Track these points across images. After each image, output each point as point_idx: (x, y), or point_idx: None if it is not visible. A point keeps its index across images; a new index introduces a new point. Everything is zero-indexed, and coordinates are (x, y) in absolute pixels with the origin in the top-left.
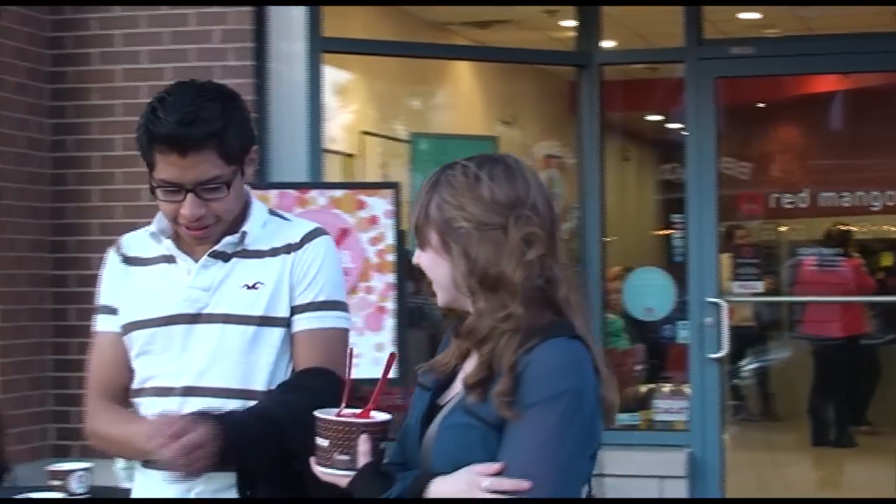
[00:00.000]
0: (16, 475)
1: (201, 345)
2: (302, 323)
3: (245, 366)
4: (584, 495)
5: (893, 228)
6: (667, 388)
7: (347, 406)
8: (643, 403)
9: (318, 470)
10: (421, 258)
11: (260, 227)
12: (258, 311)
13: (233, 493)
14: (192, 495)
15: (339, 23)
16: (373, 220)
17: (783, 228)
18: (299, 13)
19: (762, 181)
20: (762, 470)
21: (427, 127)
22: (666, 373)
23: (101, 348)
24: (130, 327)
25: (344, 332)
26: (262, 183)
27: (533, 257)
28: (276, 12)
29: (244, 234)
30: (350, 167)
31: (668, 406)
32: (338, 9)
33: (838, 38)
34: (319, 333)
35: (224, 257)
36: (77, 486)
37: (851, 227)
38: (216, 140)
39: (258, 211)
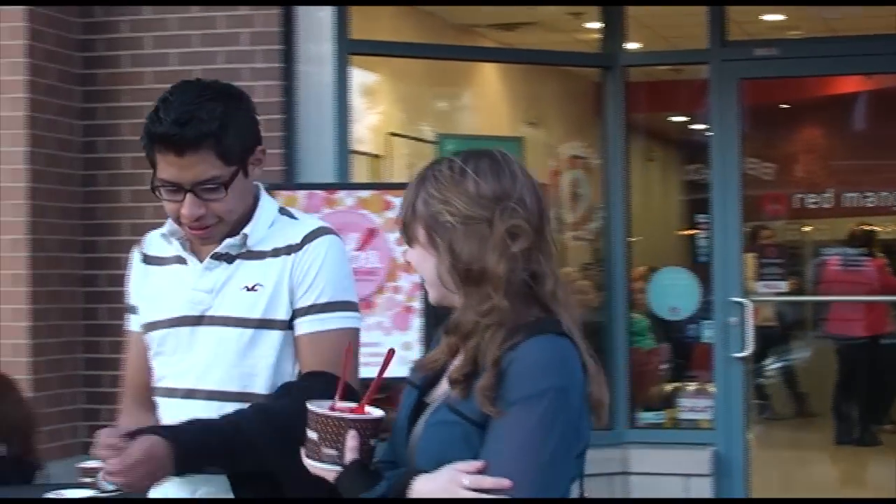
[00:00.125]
0: (48, 472)
1: (202, 347)
2: (304, 326)
3: (242, 369)
4: (575, 494)
5: None
6: (692, 386)
7: (345, 400)
8: (668, 402)
9: (307, 462)
10: (409, 255)
11: (266, 228)
12: (256, 314)
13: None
14: (198, 496)
15: (366, 25)
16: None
17: (807, 228)
18: (327, 16)
19: (786, 181)
20: (786, 468)
21: (453, 128)
22: (691, 372)
23: (129, 347)
24: (147, 327)
25: (350, 332)
26: (291, 184)
27: (517, 250)
28: (303, 15)
29: (245, 236)
30: (377, 168)
31: (693, 405)
32: (365, 12)
33: (861, 40)
34: (323, 335)
35: (228, 259)
36: (108, 484)
37: (875, 227)
38: (213, 140)
39: (266, 210)
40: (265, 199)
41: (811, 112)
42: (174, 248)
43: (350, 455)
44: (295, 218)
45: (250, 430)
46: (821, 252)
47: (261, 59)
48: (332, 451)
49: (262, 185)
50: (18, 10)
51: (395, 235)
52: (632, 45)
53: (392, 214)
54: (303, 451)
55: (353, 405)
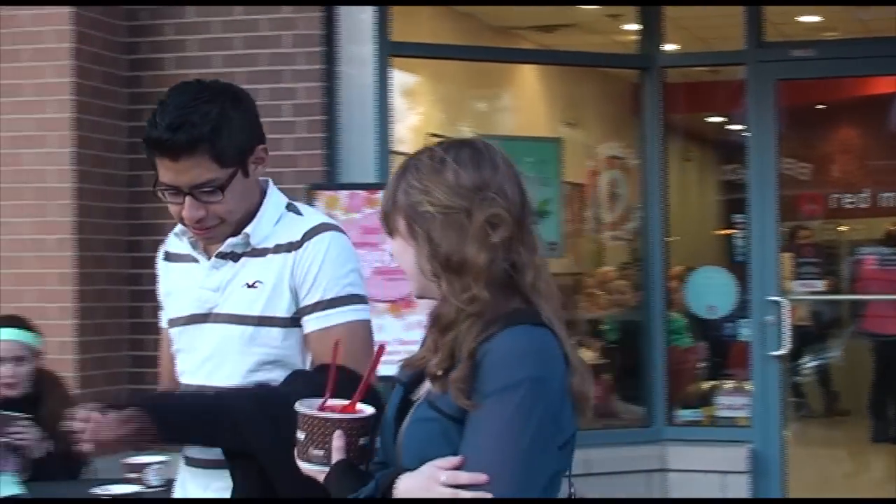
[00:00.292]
0: (94, 468)
1: (209, 344)
2: (311, 324)
3: (246, 366)
4: (562, 490)
5: None
6: (729, 384)
7: (336, 397)
8: (706, 400)
9: (298, 463)
10: (391, 246)
11: (272, 225)
12: (256, 311)
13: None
14: (210, 492)
15: (406, 27)
16: None
17: (843, 228)
18: (368, 18)
19: (823, 181)
20: (823, 466)
21: (492, 129)
22: (728, 370)
23: (161, 343)
24: (169, 324)
25: (358, 325)
26: (332, 184)
27: (497, 240)
28: (345, 18)
29: (246, 235)
30: None
31: (731, 402)
32: (405, 15)
33: None
34: (331, 331)
35: (234, 257)
36: (153, 479)
37: None
38: (207, 144)
39: (272, 207)
40: (272, 195)
41: (847, 112)
42: (186, 247)
43: (336, 455)
44: (300, 214)
45: (236, 409)
46: (857, 251)
47: (303, 61)
48: (319, 452)
49: (272, 180)
50: (65, 14)
51: None
52: (669, 47)
53: None
54: (295, 452)
55: (344, 403)
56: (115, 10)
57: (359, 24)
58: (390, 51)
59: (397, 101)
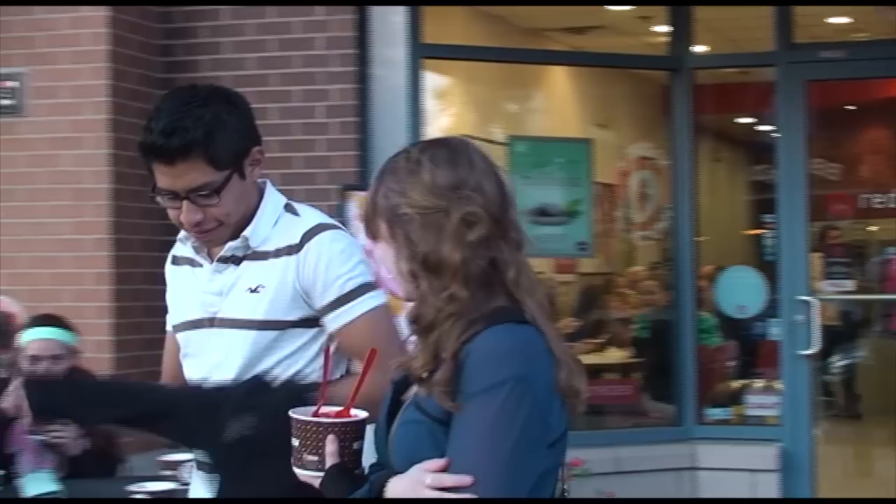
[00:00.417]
0: (130, 465)
1: (215, 350)
2: (336, 321)
3: (251, 370)
4: (553, 490)
5: None
6: (759, 383)
7: (329, 404)
8: (735, 399)
9: (294, 469)
10: (374, 250)
11: (270, 227)
12: (258, 315)
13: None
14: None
15: (438, 29)
16: None
17: (873, 228)
18: (400, 20)
19: (852, 182)
20: (852, 465)
21: (524, 130)
22: (757, 369)
23: (165, 346)
24: (175, 329)
25: (380, 309)
26: (365, 185)
27: (474, 238)
28: (377, 20)
29: (245, 238)
30: None
31: (760, 401)
32: (437, 16)
33: None
34: (357, 321)
35: (235, 261)
36: (188, 476)
37: None
38: (201, 148)
39: (269, 209)
40: (270, 196)
41: (877, 113)
42: (190, 251)
43: (330, 460)
44: (298, 215)
45: (172, 395)
46: (886, 251)
47: (336, 63)
48: (314, 458)
49: (270, 181)
50: (101, 17)
51: None
52: (699, 48)
53: None
54: (292, 459)
55: (338, 408)
56: (151, 13)
57: (391, 27)
58: (422, 53)
59: (429, 103)
